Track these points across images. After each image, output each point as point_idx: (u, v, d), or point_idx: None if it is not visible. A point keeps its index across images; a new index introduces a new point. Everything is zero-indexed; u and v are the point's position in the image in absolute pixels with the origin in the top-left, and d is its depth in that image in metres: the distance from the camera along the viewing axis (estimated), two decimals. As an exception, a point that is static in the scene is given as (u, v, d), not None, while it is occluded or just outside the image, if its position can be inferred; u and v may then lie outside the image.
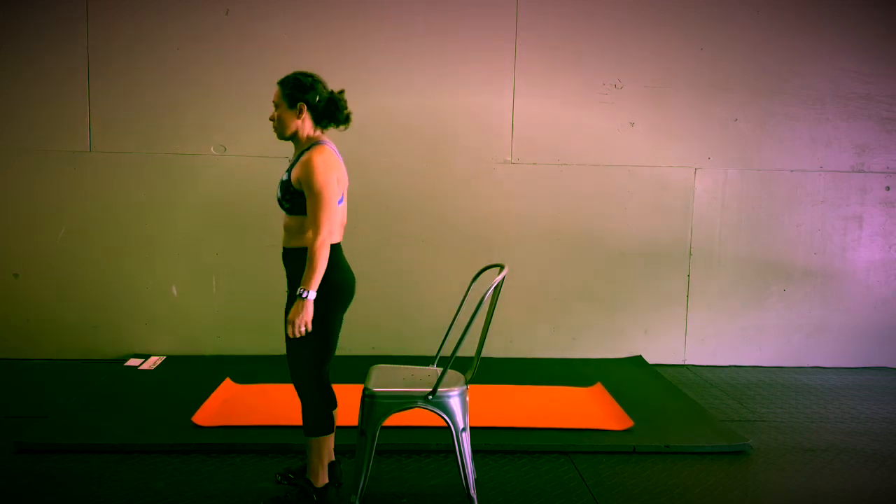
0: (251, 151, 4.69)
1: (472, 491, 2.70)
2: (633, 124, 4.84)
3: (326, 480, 2.74)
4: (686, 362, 5.01)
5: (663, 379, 4.51)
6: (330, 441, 2.74)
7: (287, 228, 2.70)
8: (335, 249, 2.68)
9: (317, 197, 2.55)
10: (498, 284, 2.59)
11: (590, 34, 4.78)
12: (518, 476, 3.12)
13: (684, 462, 3.31)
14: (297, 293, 2.53)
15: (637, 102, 4.83)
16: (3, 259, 4.64)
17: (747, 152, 4.91)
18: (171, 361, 4.62)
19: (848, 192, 4.97)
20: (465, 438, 2.69)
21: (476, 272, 2.99)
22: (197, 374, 4.34)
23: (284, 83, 2.70)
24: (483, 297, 2.52)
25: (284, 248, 2.73)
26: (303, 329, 2.54)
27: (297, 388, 2.73)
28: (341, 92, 2.76)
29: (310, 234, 2.56)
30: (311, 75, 2.72)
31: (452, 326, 2.97)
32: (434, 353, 3.05)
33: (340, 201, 2.69)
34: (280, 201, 2.68)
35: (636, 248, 4.90)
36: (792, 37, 4.86)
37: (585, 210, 4.86)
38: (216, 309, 4.77)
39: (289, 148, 4.68)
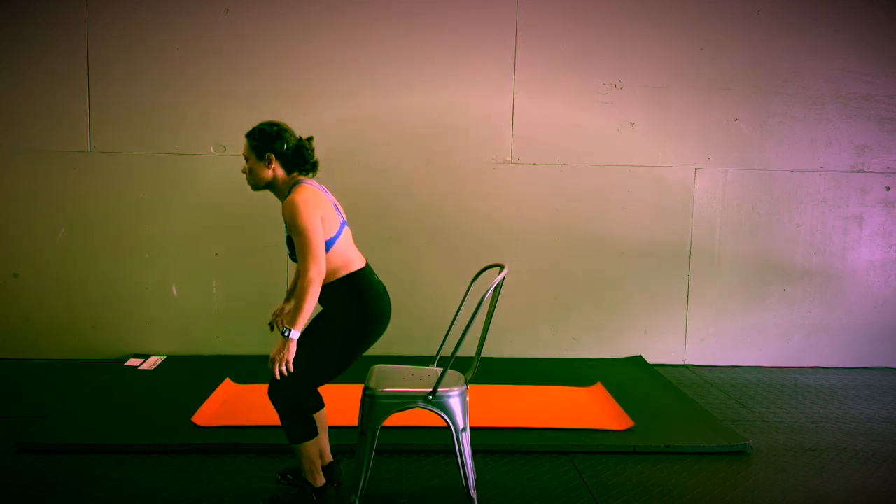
0: (251, 151, 4.69)
1: (472, 491, 2.69)
2: (633, 124, 4.84)
3: (324, 480, 2.74)
4: (686, 362, 5.01)
5: (663, 379, 4.51)
6: (317, 444, 2.68)
7: None
8: (361, 275, 2.64)
9: (300, 237, 2.48)
10: (498, 284, 2.59)
11: (590, 34, 4.78)
12: (518, 476, 3.12)
13: (684, 462, 3.30)
14: (282, 331, 2.49)
15: (637, 102, 4.83)
16: (3, 259, 4.64)
17: (747, 152, 4.91)
18: (171, 361, 4.62)
19: (848, 192, 4.97)
20: (465, 438, 2.69)
21: (476, 272, 2.99)
22: (197, 374, 4.35)
23: (251, 135, 2.64)
24: (483, 297, 2.52)
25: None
26: (283, 368, 2.48)
27: (273, 397, 2.60)
28: (310, 139, 2.68)
29: (307, 272, 2.47)
30: (276, 124, 2.65)
31: (452, 326, 2.97)
32: (434, 353, 3.05)
33: (339, 232, 2.61)
34: (292, 257, 2.61)
35: (636, 248, 4.90)
36: (792, 37, 4.86)
37: (585, 210, 4.86)
38: (216, 309, 4.77)
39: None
